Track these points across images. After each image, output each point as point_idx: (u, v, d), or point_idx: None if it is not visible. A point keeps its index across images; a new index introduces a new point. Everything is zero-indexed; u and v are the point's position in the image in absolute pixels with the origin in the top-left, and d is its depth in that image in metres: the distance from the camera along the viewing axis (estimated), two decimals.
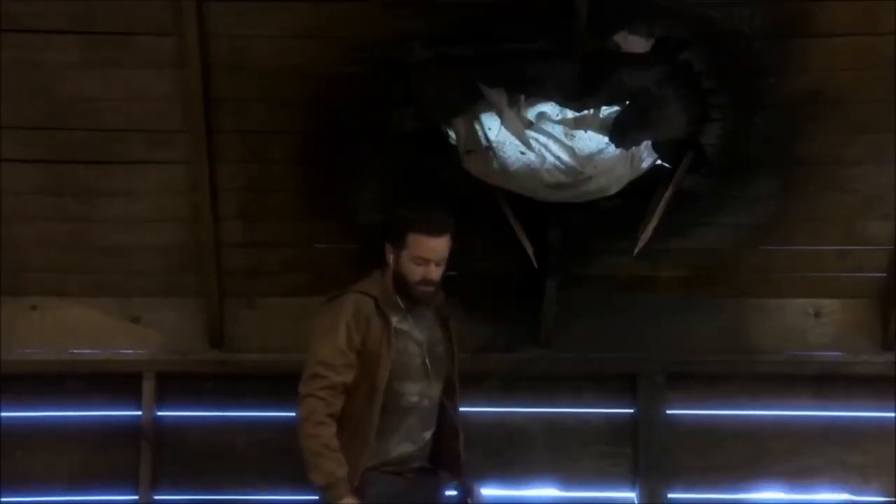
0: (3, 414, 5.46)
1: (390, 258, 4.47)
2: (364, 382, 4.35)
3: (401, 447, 4.42)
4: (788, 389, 5.58)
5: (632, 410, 5.58)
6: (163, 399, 5.49)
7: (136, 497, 5.46)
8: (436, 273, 4.43)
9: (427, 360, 4.47)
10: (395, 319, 4.44)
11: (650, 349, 5.53)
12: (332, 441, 4.28)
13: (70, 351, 5.45)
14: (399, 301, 4.47)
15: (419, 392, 4.46)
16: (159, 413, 5.49)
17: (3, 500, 5.39)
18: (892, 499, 5.55)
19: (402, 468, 4.43)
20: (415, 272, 4.41)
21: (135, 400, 5.47)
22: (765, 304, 5.55)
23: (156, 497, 5.48)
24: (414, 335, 4.48)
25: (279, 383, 5.36)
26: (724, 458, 5.57)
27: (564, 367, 5.54)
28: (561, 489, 5.63)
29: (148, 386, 5.46)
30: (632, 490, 5.60)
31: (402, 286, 4.46)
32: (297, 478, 4.46)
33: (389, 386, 4.37)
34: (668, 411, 5.57)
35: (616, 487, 5.63)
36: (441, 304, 4.64)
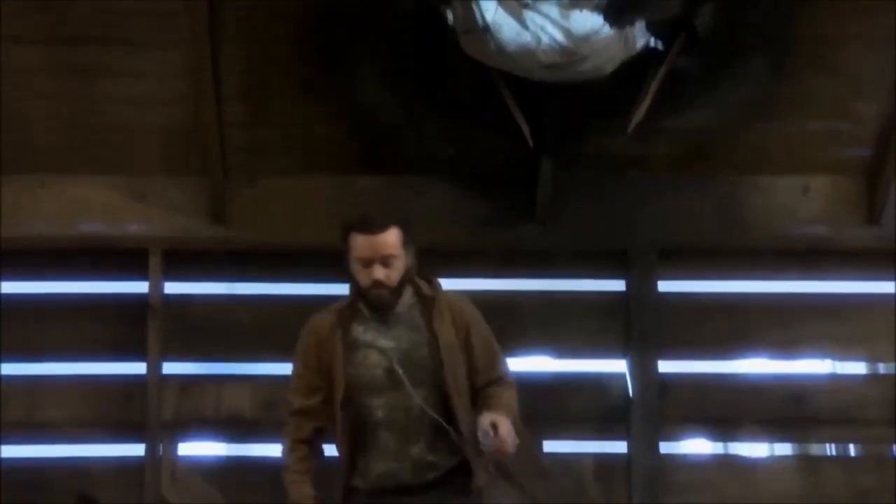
0: (14, 289, 5.61)
1: (347, 267, 4.33)
2: (331, 402, 4.29)
3: (380, 465, 4.24)
4: (778, 264, 5.72)
5: (624, 285, 5.71)
6: (168, 275, 5.63)
7: (145, 364, 5.59)
8: (383, 273, 4.21)
9: (397, 368, 4.20)
10: (359, 330, 4.29)
11: (643, 226, 5.65)
12: (296, 465, 4.31)
13: (77, 227, 5.58)
14: (363, 309, 4.31)
15: (386, 405, 4.23)
16: (166, 289, 5.62)
17: (16, 365, 5.59)
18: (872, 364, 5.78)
19: (392, 488, 4.23)
20: (361, 275, 4.23)
21: (141, 275, 5.60)
22: (756, 182, 5.66)
23: (164, 364, 5.62)
24: (378, 344, 4.26)
25: (280, 259, 5.59)
26: (714, 331, 5.71)
27: (560, 243, 5.66)
28: (555, 358, 5.77)
29: (154, 262, 5.58)
30: (623, 359, 5.72)
31: (360, 293, 4.29)
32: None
33: (354, 402, 4.24)
34: (660, 286, 5.70)
35: (608, 357, 5.77)
36: (429, 302, 4.33)
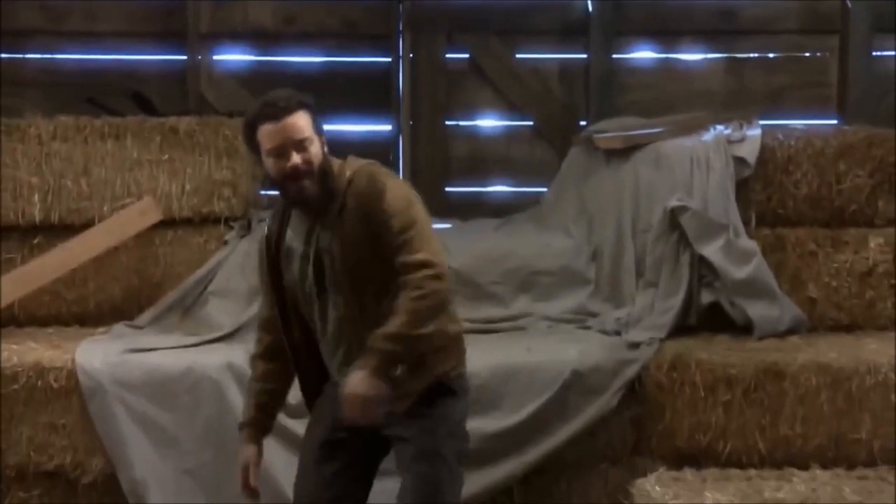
0: None
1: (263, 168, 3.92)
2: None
3: (335, 379, 3.94)
4: None
5: None
6: None
7: None
8: (300, 158, 3.77)
9: (312, 273, 3.88)
10: (289, 236, 3.94)
11: None
12: (250, 383, 4.15)
13: None
14: (285, 212, 3.96)
15: (319, 314, 3.91)
16: None
17: None
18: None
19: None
20: (277, 168, 3.79)
21: None
22: None
23: None
24: (301, 250, 3.91)
25: None
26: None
27: None
28: None
29: None
30: None
31: (282, 191, 3.87)
32: None
33: (298, 313, 3.97)
34: None
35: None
36: (342, 198, 3.83)
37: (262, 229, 4.12)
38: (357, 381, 3.70)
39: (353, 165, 3.89)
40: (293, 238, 3.93)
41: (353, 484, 4.02)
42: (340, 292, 3.85)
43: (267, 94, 3.89)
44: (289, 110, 3.79)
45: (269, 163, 3.82)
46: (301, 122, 3.80)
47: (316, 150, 3.81)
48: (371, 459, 4.05)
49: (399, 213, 3.79)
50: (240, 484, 4.05)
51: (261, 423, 4.10)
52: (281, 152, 3.78)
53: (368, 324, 3.78)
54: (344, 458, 3.99)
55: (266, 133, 3.78)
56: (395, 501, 3.90)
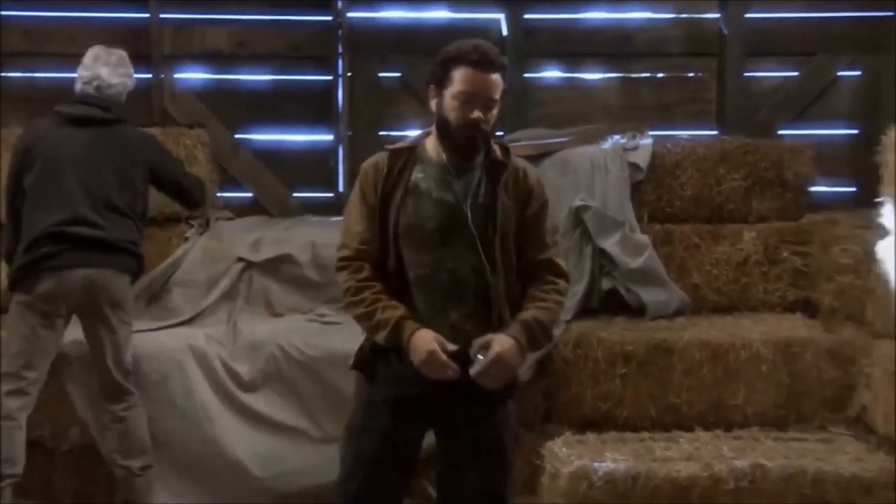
0: None
1: (433, 103, 3.48)
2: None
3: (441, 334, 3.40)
4: None
5: None
6: None
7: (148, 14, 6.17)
8: (485, 115, 3.40)
9: (447, 225, 3.41)
10: (419, 176, 3.46)
11: None
12: (374, 296, 3.42)
13: None
14: (429, 154, 3.47)
15: (432, 262, 3.43)
16: None
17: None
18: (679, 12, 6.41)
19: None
20: (458, 111, 3.38)
21: None
22: None
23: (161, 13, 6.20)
24: (436, 195, 3.44)
25: None
26: None
27: None
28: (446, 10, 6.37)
29: None
30: (499, 12, 6.33)
31: (447, 130, 3.42)
32: None
33: (397, 253, 3.44)
34: None
35: (486, 11, 6.36)
36: (499, 166, 3.49)
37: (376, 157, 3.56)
38: (510, 348, 3.38)
39: (509, 149, 3.57)
40: (424, 179, 3.47)
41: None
42: (474, 249, 3.42)
43: (473, 40, 3.45)
44: (497, 67, 3.41)
45: (451, 103, 3.40)
46: (499, 83, 3.43)
47: (495, 113, 3.47)
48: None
49: (552, 216, 3.60)
50: (442, 365, 3.37)
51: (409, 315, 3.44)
52: (472, 101, 3.39)
53: (486, 290, 3.43)
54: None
55: (466, 77, 3.38)
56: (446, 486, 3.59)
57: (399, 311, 3.40)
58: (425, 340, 3.37)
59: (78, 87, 4.97)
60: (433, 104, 3.49)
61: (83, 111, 4.86)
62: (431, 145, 3.52)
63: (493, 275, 3.43)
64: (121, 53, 5.06)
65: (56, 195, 4.74)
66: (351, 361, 3.60)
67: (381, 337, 3.42)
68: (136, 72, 5.16)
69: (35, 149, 4.80)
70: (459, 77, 3.38)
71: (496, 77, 3.41)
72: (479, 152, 3.46)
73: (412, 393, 3.46)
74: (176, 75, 6.33)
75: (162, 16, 6.29)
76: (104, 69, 4.95)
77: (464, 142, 3.42)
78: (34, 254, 4.70)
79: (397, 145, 3.56)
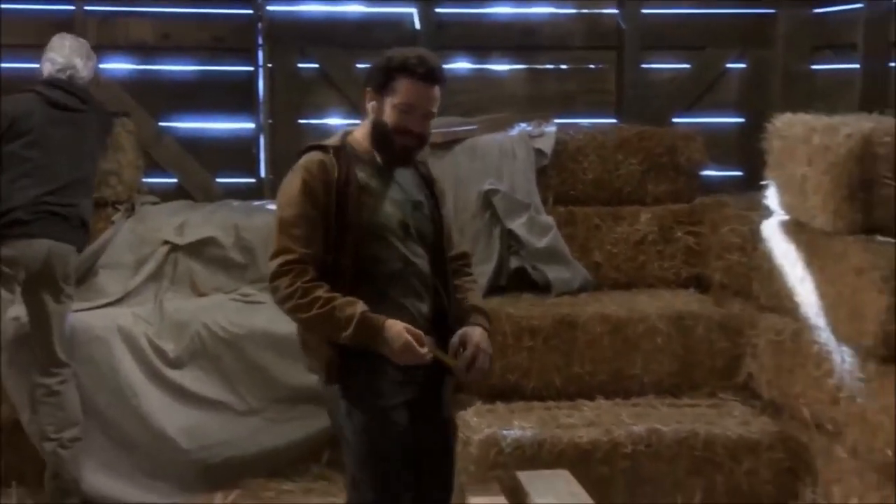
0: None
1: (370, 106, 3.34)
2: (329, 251, 3.28)
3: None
4: None
5: None
6: None
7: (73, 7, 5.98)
8: (424, 128, 3.30)
9: (405, 221, 3.33)
10: (363, 176, 3.30)
11: None
12: (328, 294, 3.21)
13: None
14: (362, 154, 3.34)
15: (401, 257, 3.33)
16: None
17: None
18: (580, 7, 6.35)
19: None
20: (397, 119, 3.26)
21: None
22: None
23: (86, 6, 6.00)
24: (389, 194, 3.33)
25: None
26: None
27: None
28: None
29: None
30: (412, 6, 6.23)
31: (382, 138, 3.30)
32: None
33: (362, 251, 3.27)
34: None
35: (400, 3, 6.25)
36: (423, 165, 3.50)
37: (314, 157, 3.34)
38: (484, 337, 3.36)
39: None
40: (368, 178, 3.32)
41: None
42: (426, 243, 3.39)
43: (416, 48, 3.36)
44: (440, 81, 3.29)
45: (391, 112, 3.26)
46: (439, 95, 3.30)
47: (431, 123, 3.36)
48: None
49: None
50: (415, 351, 3.23)
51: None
52: (413, 113, 3.26)
53: (437, 282, 3.39)
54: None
55: (411, 89, 3.24)
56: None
57: (358, 305, 3.22)
58: (398, 329, 3.23)
59: (48, 70, 5.03)
60: (370, 107, 3.36)
61: (64, 99, 4.94)
62: (360, 144, 3.40)
63: (444, 265, 3.44)
64: (87, 44, 5.18)
65: (41, 170, 4.77)
66: (321, 379, 3.35)
67: (346, 335, 3.20)
68: None
69: (22, 122, 4.83)
70: (404, 88, 3.26)
71: (438, 90, 3.31)
72: (410, 161, 3.41)
73: (416, 390, 3.38)
74: (101, 65, 6.06)
75: (87, 8, 6.12)
76: (78, 60, 5.08)
77: (400, 151, 3.33)
78: (8, 218, 4.68)
79: (330, 142, 3.39)
